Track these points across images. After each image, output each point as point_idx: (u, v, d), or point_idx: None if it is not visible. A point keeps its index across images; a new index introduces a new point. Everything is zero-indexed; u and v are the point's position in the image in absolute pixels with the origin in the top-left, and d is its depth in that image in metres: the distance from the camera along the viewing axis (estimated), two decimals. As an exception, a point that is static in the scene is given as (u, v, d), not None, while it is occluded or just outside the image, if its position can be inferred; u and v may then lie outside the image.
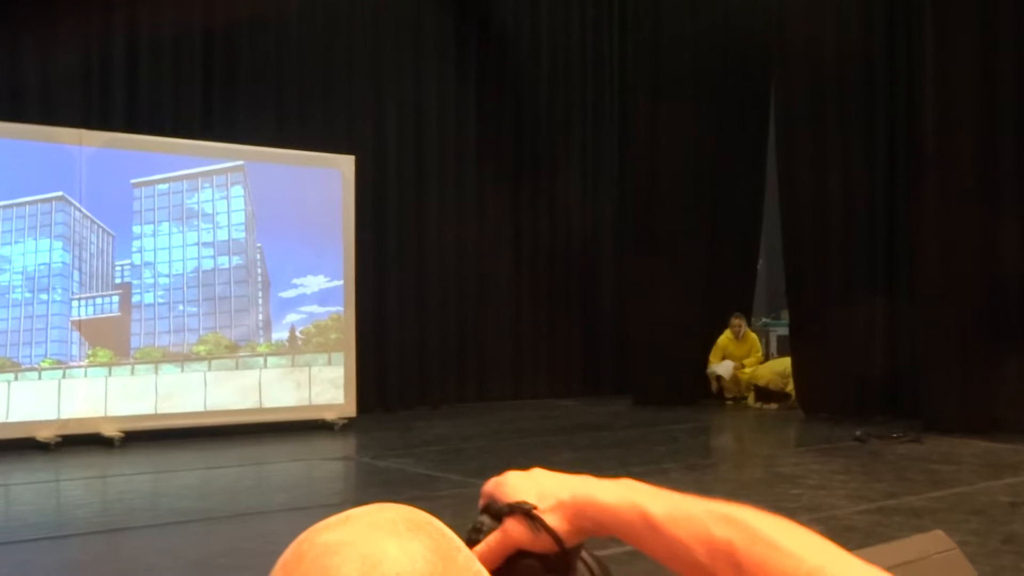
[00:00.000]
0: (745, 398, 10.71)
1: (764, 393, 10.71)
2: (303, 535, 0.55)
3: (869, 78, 9.33)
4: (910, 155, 8.92)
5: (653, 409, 10.17)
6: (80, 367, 8.18)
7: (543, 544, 0.68)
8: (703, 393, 10.86)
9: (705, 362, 10.98)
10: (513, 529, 0.68)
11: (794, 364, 10.08)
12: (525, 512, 0.68)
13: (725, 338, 11.08)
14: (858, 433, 7.84)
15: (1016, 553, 4.24)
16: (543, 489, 0.70)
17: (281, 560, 0.55)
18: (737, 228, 11.28)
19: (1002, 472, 6.31)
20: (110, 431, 8.01)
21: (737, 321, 11.05)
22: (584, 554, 0.72)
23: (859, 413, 8.88)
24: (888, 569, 0.59)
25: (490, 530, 0.69)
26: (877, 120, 9.32)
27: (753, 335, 11.34)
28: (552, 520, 0.68)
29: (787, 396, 10.40)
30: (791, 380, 10.21)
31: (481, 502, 0.73)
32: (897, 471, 6.39)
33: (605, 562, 0.73)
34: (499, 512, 0.69)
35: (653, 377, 10.73)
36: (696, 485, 5.60)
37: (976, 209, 8.14)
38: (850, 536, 4.42)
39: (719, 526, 0.62)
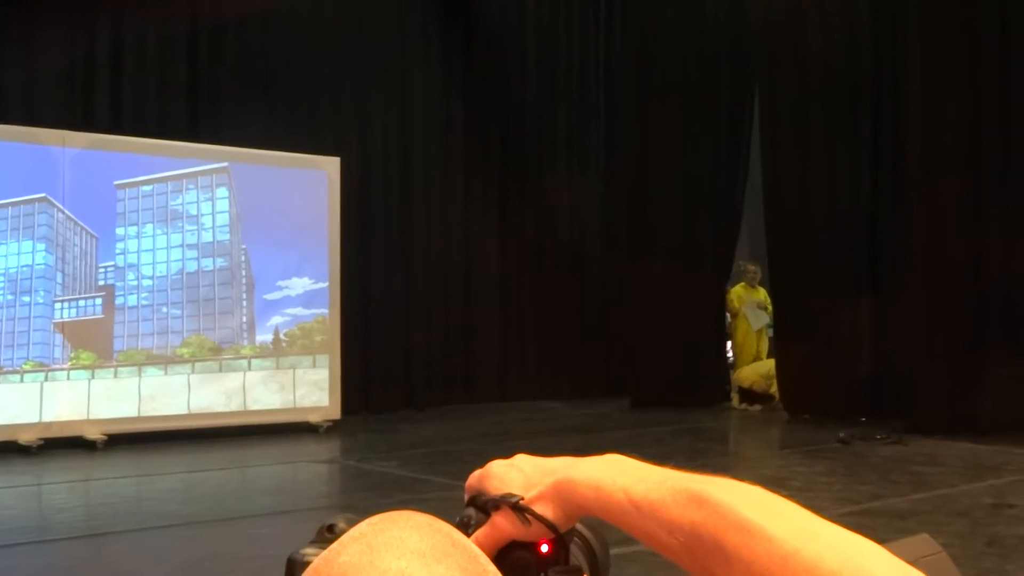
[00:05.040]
0: (773, 397, 10.42)
1: (748, 395, 10.74)
2: (317, 562, 0.54)
3: (854, 80, 9.39)
4: (895, 156, 8.98)
5: (647, 411, 10.14)
6: (63, 369, 8.12)
7: (534, 534, 0.68)
8: (699, 394, 10.69)
9: (699, 361, 10.86)
10: (501, 523, 0.68)
11: (778, 366, 10.12)
12: (512, 504, 0.68)
13: (740, 288, 11.20)
14: (842, 435, 7.86)
15: (1000, 555, 4.27)
16: (528, 477, 0.70)
17: None
18: (724, 229, 11.30)
19: (985, 474, 6.35)
20: (93, 434, 7.96)
21: (753, 268, 11.18)
22: (580, 528, 0.71)
23: (843, 415, 8.91)
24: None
25: (478, 524, 0.68)
26: (862, 122, 9.37)
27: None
28: (540, 508, 0.67)
29: (771, 398, 10.44)
30: (775, 382, 10.25)
31: (467, 496, 0.72)
32: (881, 473, 6.42)
33: (601, 531, 0.73)
34: (485, 505, 0.69)
35: (651, 378, 10.70)
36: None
37: (960, 210, 8.19)
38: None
39: (691, 509, 0.61)
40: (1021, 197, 8.07)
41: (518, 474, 0.70)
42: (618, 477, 0.66)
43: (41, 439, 7.74)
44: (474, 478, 0.73)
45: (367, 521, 0.57)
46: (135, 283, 8.58)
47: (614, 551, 0.73)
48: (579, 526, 0.71)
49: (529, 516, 0.67)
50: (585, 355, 11.97)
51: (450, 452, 7.69)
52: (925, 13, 8.41)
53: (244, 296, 9.08)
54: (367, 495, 6.01)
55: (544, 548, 0.68)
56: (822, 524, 0.59)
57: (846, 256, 9.40)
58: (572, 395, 11.56)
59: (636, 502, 0.64)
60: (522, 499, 0.68)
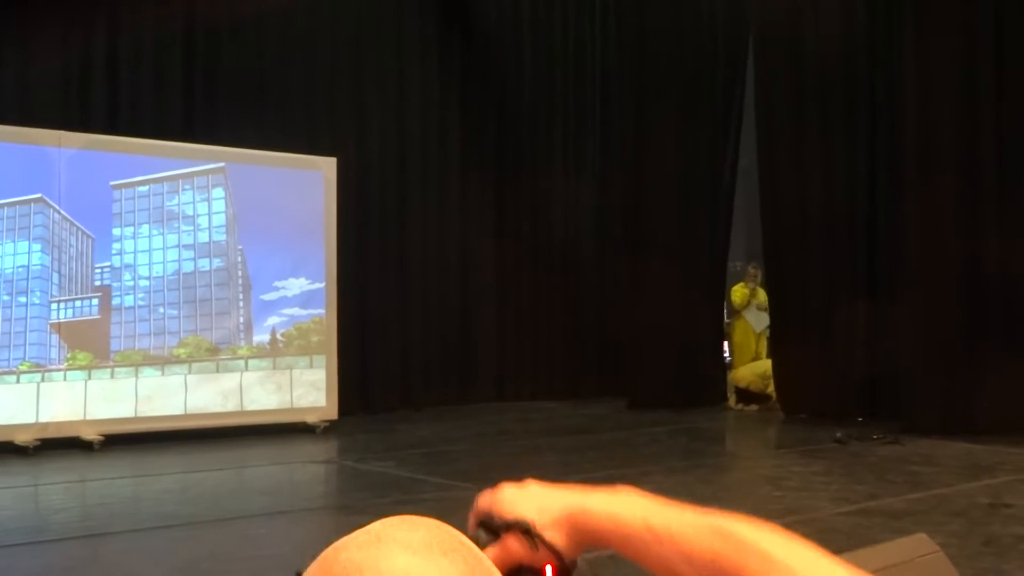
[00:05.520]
0: (769, 397, 10.42)
1: (745, 395, 10.75)
2: (327, 551, 0.55)
3: (851, 79, 9.40)
4: (891, 156, 8.99)
5: (644, 411, 10.11)
6: (59, 370, 8.11)
7: (542, 560, 0.68)
8: (696, 394, 10.66)
9: (697, 362, 10.85)
10: (512, 546, 0.69)
11: (775, 365, 10.12)
12: (524, 529, 0.68)
13: (742, 289, 11.28)
14: (838, 435, 7.87)
15: (996, 555, 4.27)
16: (540, 504, 0.71)
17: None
18: (721, 228, 11.30)
19: (981, 474, 6.36)
20: (90, 435, 7.95)
21: (754, 269, 11.26)
22: (579, 562, 0.72)
23: (839, 415, 8.91)
24: (872, 572, 0.60)
25: (487, 545, 0.69)
26: (858, 121, 9.38)
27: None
28: (551, 535, 0.68)
29: (768, 398, 10.44)
30: (772, 382, 10.26)
31: (473, 515, 0.73)
32: (877, 473, 6.43)
33: (596, 566, 0.73)
34: (497, 528, 0.70)
35: (647, 379, 10.69)
36: (678, 488, 5.62)
37: (958, 209, 8.20)
38: (831, 538, 4.44)
39: (714, 541, 0.62)
40: (1018, 196, 8.08)
41: (531, 500, 0.71)
42: (637, 510, 0.67)
43: (38, 440, 7.73)
44: (485, 499, 0.74)
45: (378, 520, 0.58)
46: (131, 283, 8.56)
47: (609, 552, 0.73)
48: (579, 560, 0.72)
49: (539, 542, 0.68)
50: (582, 355, 11.97)
51: (447, 452, 7.68)
52: (921, 12, 8.42)
53: (241, 297, 9.07)
54: (364, 495, 6.00)
55: (549, 572, 0.69)
56: (840, 564, 0.61)
57: (843, 256, 9.41)
58: (569, 395, 11.56)
59: (656, 531, 0.64)
60: (533, 525, 0.68)
